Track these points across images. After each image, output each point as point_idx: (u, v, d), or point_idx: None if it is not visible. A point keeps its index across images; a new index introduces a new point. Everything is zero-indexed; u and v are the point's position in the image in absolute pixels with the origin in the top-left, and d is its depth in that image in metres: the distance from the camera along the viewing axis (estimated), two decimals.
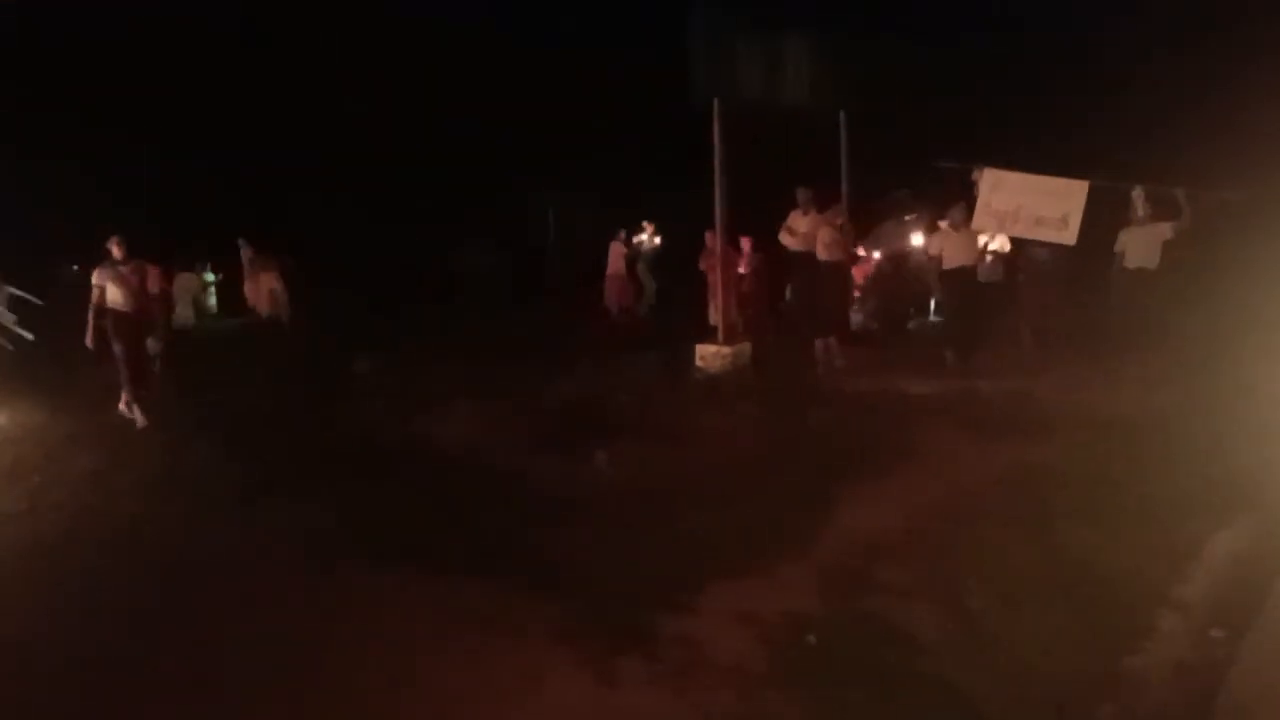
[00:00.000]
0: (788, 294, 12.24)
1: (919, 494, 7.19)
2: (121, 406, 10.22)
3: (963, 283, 10.96)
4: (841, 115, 12.67)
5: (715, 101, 10.79)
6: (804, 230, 11.66)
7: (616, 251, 14.49)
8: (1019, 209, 10.14)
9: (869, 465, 7.65)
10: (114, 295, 10.00)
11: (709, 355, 11.14)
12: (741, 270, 12.47)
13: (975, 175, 10.67)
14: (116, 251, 10.12)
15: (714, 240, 11.84)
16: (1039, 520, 6.49)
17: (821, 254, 11.42)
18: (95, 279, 10.01)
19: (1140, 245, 10.54)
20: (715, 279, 11.73)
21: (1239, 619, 5.25)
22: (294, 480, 7.74)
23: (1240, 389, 8.67)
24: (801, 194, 11.74)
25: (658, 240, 16.41)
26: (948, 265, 10.88)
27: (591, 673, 4.87)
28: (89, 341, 10.01)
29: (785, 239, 11.85)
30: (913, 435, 8.51)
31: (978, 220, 10.51)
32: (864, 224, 11.65)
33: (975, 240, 11.06)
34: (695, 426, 8.81)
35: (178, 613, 5.64)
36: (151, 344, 11.29)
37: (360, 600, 5.70)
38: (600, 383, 10.16)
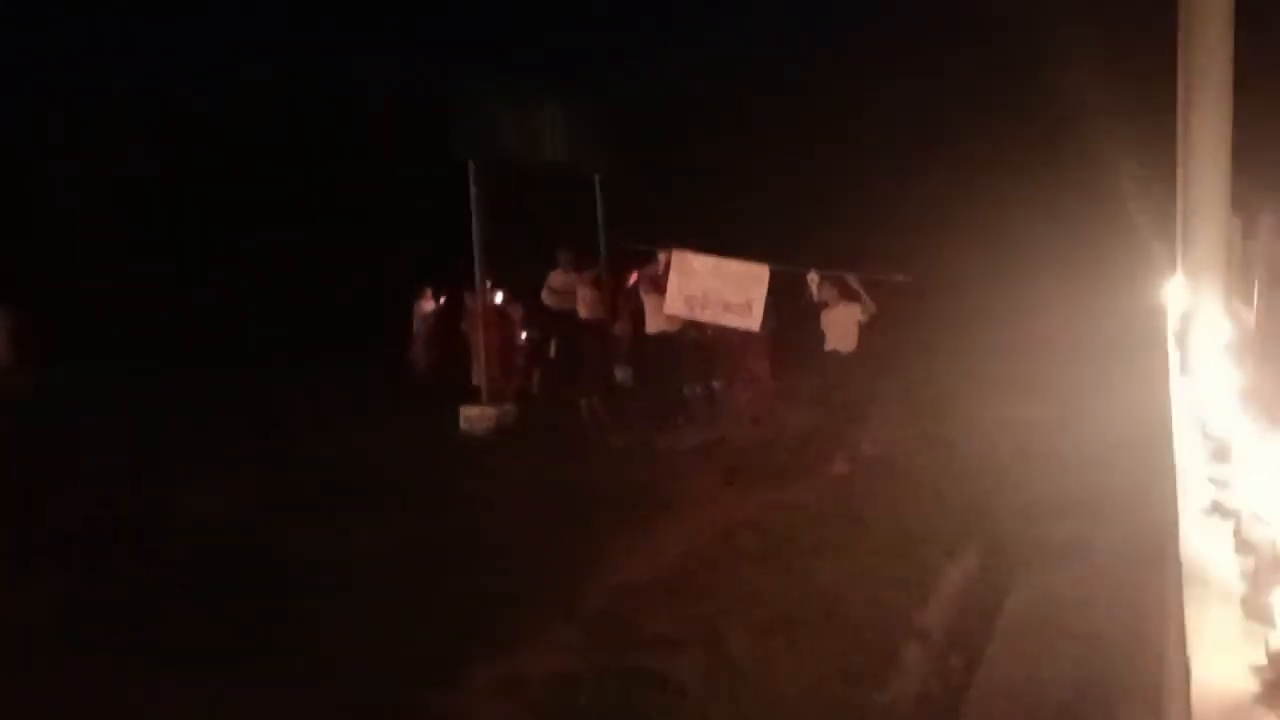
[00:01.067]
0: (551, 352, 12.29)
1: (679, 542, 7.36)
2: None
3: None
4: (595, 178, 12.99)
5: (470, 164, 10.78)
6: (562, 289, 11.83)
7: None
8: (706, 294, 10.07)
9: (631, 518, 7.77)
10: None
11: (473, 416, 11.01)
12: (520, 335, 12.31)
13: (663, 257, 10.53)
14: None
15: (473, 301, 11.77)
16: (791, 558, 6.81)
17: (582, 312, 11.61)
18: None
19: (836, 328, 10.40)
20: (478, 339, 11.63)
21: (974, 644, 5.67)
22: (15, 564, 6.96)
23: (951, 439, 9.48)
24: (562, 254, 11.94)
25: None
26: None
27: None
28: None
29: (546, 298, 11.99)
30: (673, 485, 8.71)
31: (670, 305, 10.27)
32: (622, 283, 11.81)
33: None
34: (459, 490, 8.65)
35: None
36: None
37: (104, 698, 5.14)
38: (361, 446, 9.80)
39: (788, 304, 10.56)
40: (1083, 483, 7.88)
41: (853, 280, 10.17)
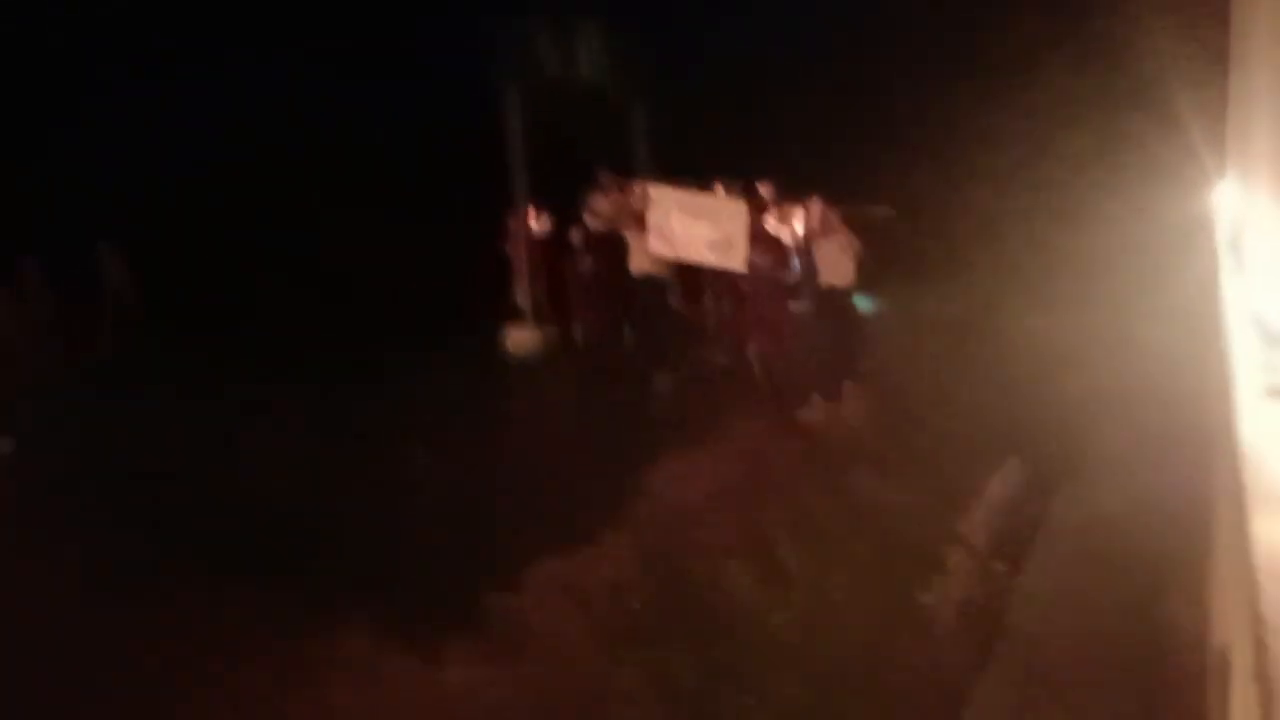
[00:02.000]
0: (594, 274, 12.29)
1: (726, 460, 7.46)
2: None
3: None
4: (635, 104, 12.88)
5: (508, 86, 10.75)
6: (608, 212, 11.81)
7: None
8: (686, 231, 9.36)
9: (677, 438, 7.87)
10: None
11: (516, 337, 11.15)
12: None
13: (638, 191, 9.94)
14: None
15: (517, 222, 11.82)
16: (835, 476, 6.92)
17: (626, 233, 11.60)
18: None
19: (828, 260, 9.71)
20: (521, 260, 11.70)
21: (1015, 552, 5.78)
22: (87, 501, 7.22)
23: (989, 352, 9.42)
24: (603, 174, 11.89)
25: None
26: None
27: (419, 657, 4.86)
28: None
29: (589, 220, 11.98)
30: (717, 407, 8.80)
31: (653, 244, 9.54)
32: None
33: None
34: (506, 409, 8.81)
35: None
36: None
37: (178, 614, 5.39)
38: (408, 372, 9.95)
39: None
40: (1126, 389, 7.88)
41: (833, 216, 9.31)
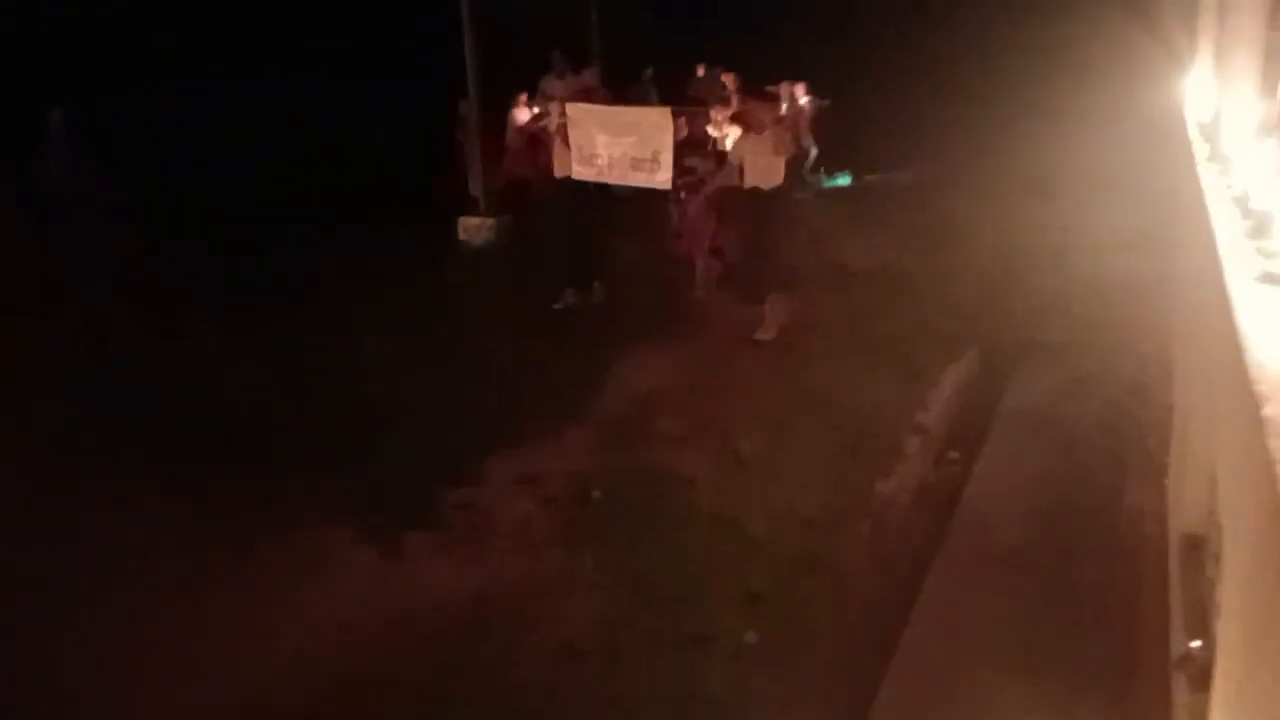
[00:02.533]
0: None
1: (682, 351, 7.45)
2: None
3: None
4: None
5: None
6: (559, 95, 11.47)
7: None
8: (610, 151, 8.68)
9: (634, 329, 7.81)
10: None
11: (471, 227, 10.91)
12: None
13: (555, 111, 9.32)
14: None
15: (469, 109, 11.43)
16: (793, 364, 6.94)
17: None
18: None
19: (753, 161, 8.70)
20: (473, 149, 11.37)
21: (971, 440, 5.85)
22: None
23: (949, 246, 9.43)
24: (556, 58, 11.52)
25: None
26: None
27: (377, 549, 4.85)
28: None
29: (541, 105, 11.63)
30: (672, 297, 8.75)
31: (577, 168, 8.85)
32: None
33: None
34: (461, 302, 8.65)
35: None
36: None
37: (134, 501, 5.27)
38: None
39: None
40: (1089, 280, 7.95)
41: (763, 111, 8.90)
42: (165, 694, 3.87)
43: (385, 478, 5.47)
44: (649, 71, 13.23)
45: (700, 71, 13.07)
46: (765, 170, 8.31)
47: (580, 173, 8.88)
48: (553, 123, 9.45)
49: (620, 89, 11.38)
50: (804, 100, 11.67)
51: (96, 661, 4.07)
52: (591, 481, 5.50)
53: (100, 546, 4.73)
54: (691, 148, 8.89)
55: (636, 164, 8.61)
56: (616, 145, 8.66)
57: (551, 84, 11.64)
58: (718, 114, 8.76)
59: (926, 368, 6.77)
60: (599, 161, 8.78)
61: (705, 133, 8.91)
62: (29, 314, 7.69)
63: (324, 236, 9.25)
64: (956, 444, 5.87)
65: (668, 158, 8.44)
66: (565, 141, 8.97)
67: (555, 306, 8.62)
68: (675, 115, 8.58)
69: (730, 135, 8.15)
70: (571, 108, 9.01)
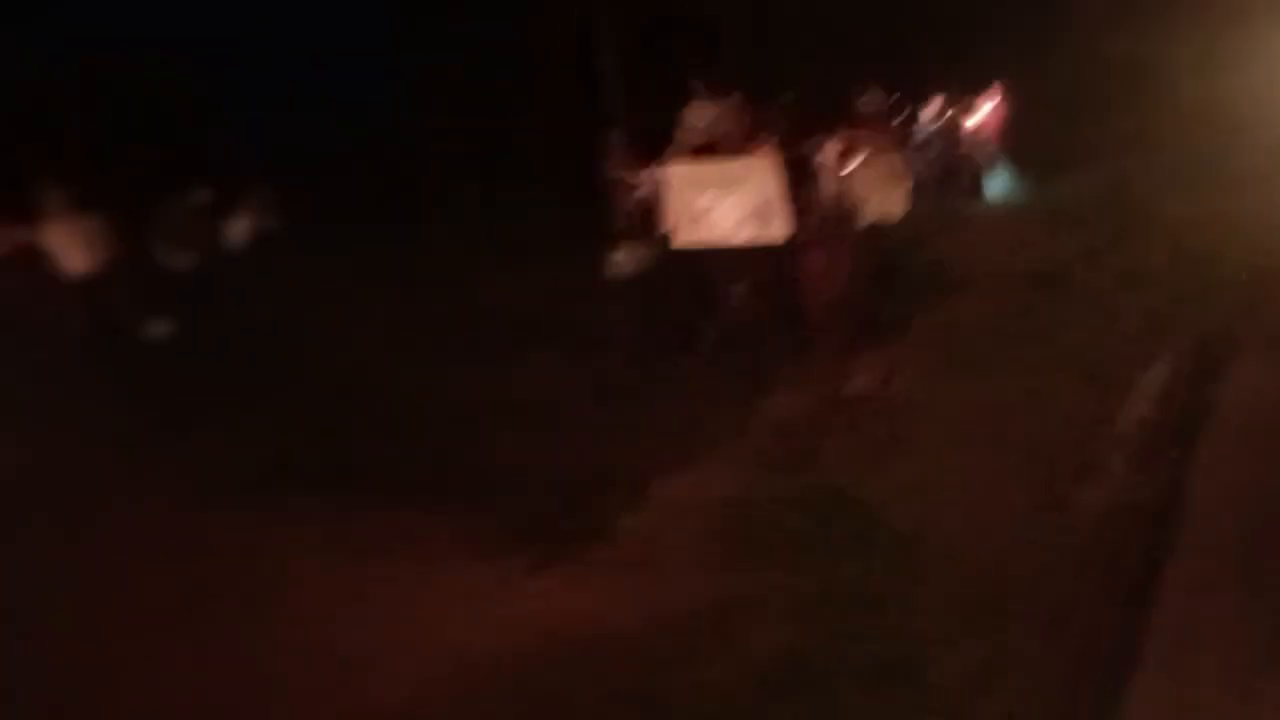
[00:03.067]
0: None
1: (845, 372, 7.12)
2: None
3: None
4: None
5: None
6: (705, 124, 11.32)
7: None
8: (715, 209, 7.58)
9: (791, 351, 7.50)
10: None
11: (619, 259, 10.85)
12: None
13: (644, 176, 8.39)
14: None
15: (617, 140, 11.42)
16: (976, 372, 6.49)
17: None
18: None
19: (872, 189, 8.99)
20: (621, 179, 11.33)
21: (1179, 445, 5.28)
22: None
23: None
24: (696, 85, 11.38)
25: None
26: None
27: (542, 577, 4.67)
28: None
29: (686, 137, 11.51)
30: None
31: (678, 234, 7.86)
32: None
33: None
34: (614, 328, 8.53)
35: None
36: None
37: (291, 532, 5.36)
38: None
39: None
40: None
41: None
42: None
43: (548, 503, 5.34)
44: (790, 95, 12.98)
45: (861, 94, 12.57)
46: (884, 201, 7.65)
47: (683, 238, 7.83)
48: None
49: (762, 114, 11.12)
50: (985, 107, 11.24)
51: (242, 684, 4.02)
52: (762, 503, 5.20)
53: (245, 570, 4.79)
54: (804, 189, 7.73)
55: (742, 221, 7.51)
56: (722, 201, 7.56)
57: (696, 113, 11.50)
58: (831, 143, 7.90)
59: (1125, 371, 6.20)
60: (701, 224, 7.69)
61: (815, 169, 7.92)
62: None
63: (468, 262, 9.36)
64: (1166, 450, 5.30)
65: (778, 207, 7.34)
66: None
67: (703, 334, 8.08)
68: (784, 150, 7.51)
69: (847, 166, 7.27)
70: (666, 169, 7.96)
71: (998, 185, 11.56)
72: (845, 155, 7.36)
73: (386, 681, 3.99)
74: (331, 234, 10.99)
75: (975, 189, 11.14)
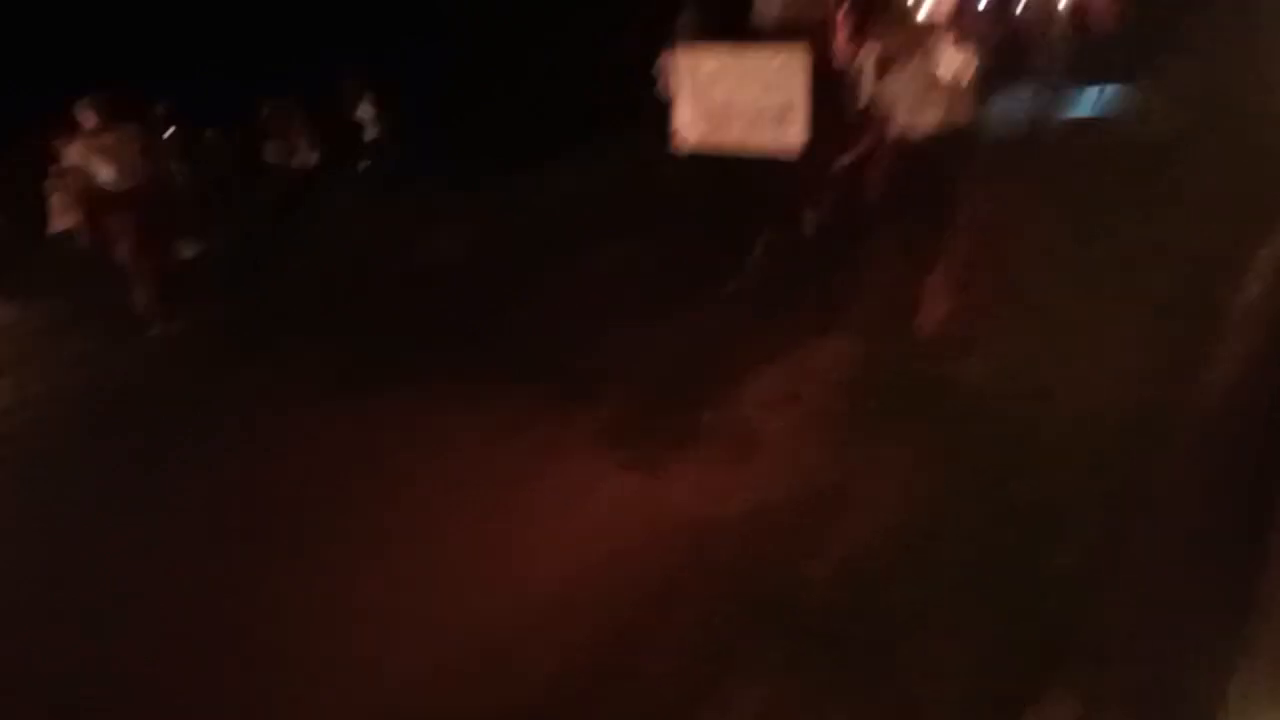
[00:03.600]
0: None
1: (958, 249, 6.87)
2: None
3: None
4: None
5: None
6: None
7: None
8: (730, 101, 6.30)
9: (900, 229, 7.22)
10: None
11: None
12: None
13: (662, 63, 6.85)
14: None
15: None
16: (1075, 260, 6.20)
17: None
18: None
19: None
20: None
21: None
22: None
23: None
24: None
25: None
26: None
27: (640, 473, 4.69)
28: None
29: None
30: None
31: (685, 128, 6.55)
32: None
33: None
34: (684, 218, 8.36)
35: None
36: None
37: (394, 421, 5.60)
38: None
39: None
40: None
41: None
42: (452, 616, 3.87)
43: (641, 401, 5.34)
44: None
45: None
46: (923, 103, 5.59)
47: (691, 132, 6.57)
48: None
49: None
50: None
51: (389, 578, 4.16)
52: (858, 392, 5.10)
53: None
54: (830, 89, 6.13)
55: (760, 117, 6.24)
56: (739, 91, 6.30)
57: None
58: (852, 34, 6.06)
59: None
60: (716, 116, 6.43)
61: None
62: None
63: (546, 158, 9.26)
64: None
65: (802, 111, 6.04)
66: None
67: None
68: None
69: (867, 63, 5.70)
70: (682, 51, 6.55)
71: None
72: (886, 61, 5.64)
73: (498, 566, 4.13)
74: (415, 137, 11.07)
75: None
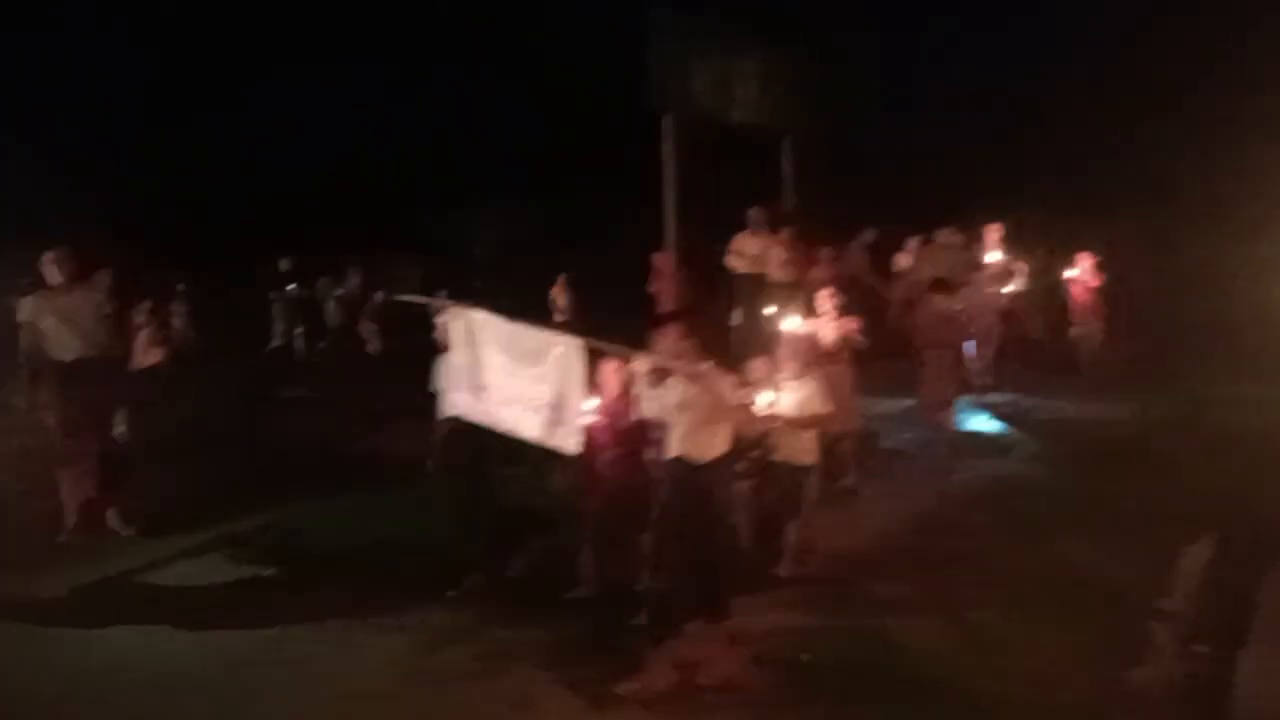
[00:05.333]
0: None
1: (909, 506, 7.11)
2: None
3: None
4: (786, 139, 12.65)
5: (667, 117, 10.58)
6: (754, 253, 11.51)
7: None
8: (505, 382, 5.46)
9: (860, 482, 7.49)
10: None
11: None
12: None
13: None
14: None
15: (664, 261, 11.61)
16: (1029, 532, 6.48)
17: (775, 274, 11.25)
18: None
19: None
20: (667, 300, 11.49)
21: (1220, 634, 5.23)
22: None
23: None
24: (754, 214, 11.60)
25: None
26: None
27: (587, 697, 4.60)
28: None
29: (733, 262, 11.67)
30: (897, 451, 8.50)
31: (460, 400, 5.68)
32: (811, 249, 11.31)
33: None
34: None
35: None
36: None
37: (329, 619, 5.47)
38: None
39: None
40: None
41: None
42: None
43: (593, 628, 5.31)
44: (870, 233, 12.80)
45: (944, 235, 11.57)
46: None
47: (459, 405, 5.71)
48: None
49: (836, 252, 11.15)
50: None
51: None
52: (804, 643, 5.14)
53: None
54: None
55: (534, 407, 5.26)
56: (514, 376, 5.40)
57: (746, 241, 11.68)
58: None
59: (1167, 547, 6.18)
60: (488, 395, 5.54)
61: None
62: None
63: None
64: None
65: (576, 412, 5.15)
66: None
67: None
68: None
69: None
70: (458, 311, 5.73)
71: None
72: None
73: None
74: None
75: None
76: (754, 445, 5.79)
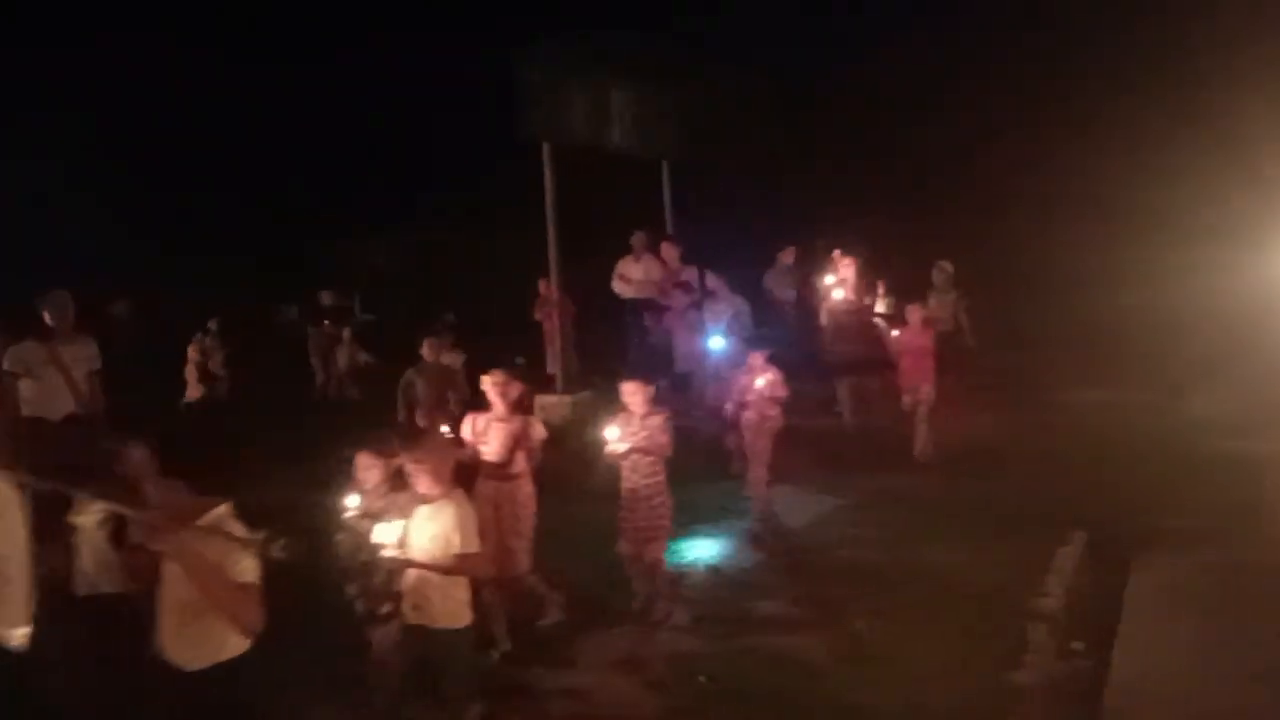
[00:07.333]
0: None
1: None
2: None
3: None
4: (664, 165, 12.82)
5: (545, 145, 10.61)
6: (639, 277, 11.61)
7: None
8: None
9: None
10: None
11: (549, 405, 10.83)
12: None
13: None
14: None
15: (548, 288, 11.61)
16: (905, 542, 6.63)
17: (651, 293, 11.38)
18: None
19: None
20: (552, 327, 11.48)
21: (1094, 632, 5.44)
22: None
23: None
24: (636, 239, 11.71)
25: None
26: None
27: None
28: None
29: (619, 287, 11.75)
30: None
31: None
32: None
33: None
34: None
35: None
36: None
37: None
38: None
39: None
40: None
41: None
42: None
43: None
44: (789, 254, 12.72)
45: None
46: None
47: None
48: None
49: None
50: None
51: None
52: (696, 665, 5.15)
53: None
54: None
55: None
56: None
57: (629, 266, 11.77)
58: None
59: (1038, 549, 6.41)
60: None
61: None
62: None
63: None
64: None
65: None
66: None
67: None
68: None
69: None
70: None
71: None
72: None
73: None
74: None
75: None
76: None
